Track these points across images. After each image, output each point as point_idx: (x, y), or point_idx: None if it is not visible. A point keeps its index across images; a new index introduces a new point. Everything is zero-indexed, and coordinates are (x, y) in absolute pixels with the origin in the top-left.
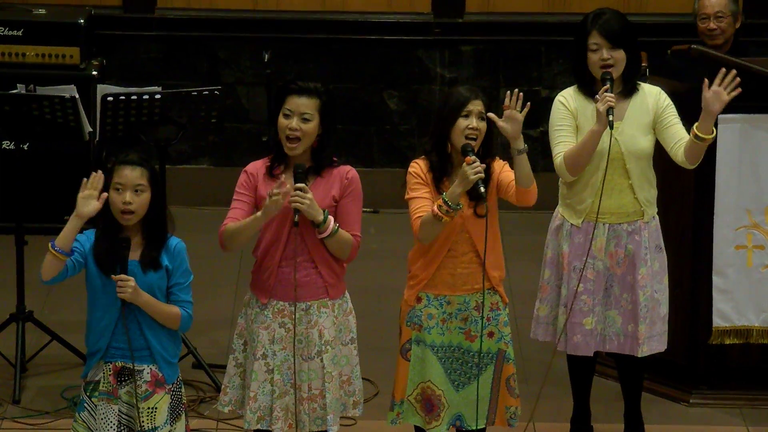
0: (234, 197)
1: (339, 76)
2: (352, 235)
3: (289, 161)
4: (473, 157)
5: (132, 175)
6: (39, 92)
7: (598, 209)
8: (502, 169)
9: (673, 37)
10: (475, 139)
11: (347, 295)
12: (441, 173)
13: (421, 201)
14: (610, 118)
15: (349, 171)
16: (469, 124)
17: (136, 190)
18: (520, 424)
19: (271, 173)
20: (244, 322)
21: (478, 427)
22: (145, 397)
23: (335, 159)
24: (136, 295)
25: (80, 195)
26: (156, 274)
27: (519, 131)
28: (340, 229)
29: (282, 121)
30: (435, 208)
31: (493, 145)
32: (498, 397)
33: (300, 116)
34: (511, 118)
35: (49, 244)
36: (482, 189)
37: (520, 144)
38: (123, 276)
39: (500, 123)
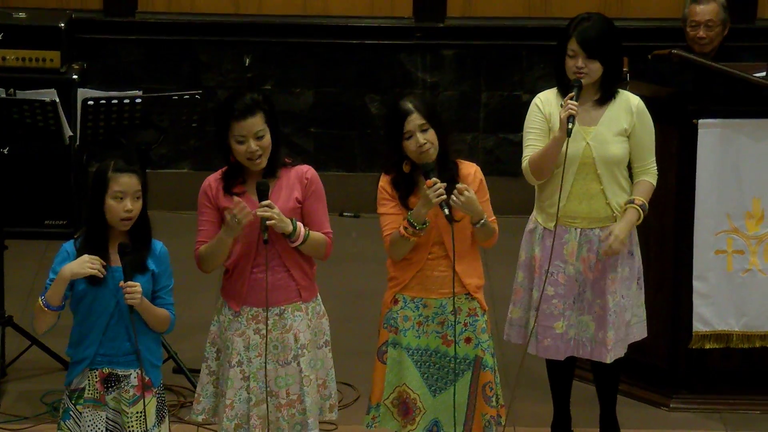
0: (198, 217)
1: (320, 81)
2: (323, 234)
3: (246, 174)
4: (433, 179)
5: (131, 182)
6: (19, 96)
7: (558, 212)
8: (478, 187)
9: (654, 41)
10: (427, 151)
11: (319, 297)
12: (407, 190)
13: (390, 218)
14: (570, 126)
15: (307, 171)
16: (416, 142)
17: (136, 197)
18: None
19: (229, 190)
20: (216, 330)
21: None
22: (133, 401)
23: (288, 161)
24: (140, 300)
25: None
26: (143, 277)
27: (471, 209)
28: (311, 232)
29: (238, 147)
30: (401, 229)
31: (449, 152)
32: (475, 405)
33: (254, 136)
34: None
35: (41, 303)
36: (446, 211)
37: (476, 218)
38: (130, 282)
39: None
